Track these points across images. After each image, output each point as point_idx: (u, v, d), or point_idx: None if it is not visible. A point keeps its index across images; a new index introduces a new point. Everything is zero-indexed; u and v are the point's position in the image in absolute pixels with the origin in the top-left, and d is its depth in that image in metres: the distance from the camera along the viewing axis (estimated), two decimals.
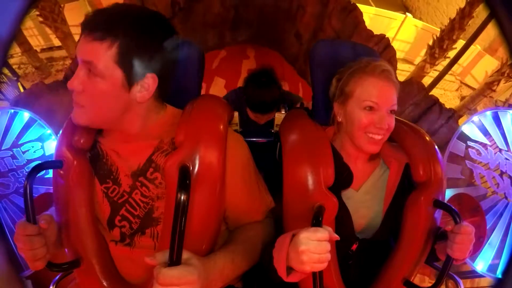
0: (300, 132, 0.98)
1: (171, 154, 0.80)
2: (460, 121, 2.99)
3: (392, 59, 3.35)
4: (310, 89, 1.14)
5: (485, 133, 2.14)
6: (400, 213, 0.96)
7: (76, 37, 3.99)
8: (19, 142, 1.94)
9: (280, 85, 1.95)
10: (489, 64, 5.54)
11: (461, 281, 1.07)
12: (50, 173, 0.93)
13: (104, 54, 0.72)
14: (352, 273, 0.98)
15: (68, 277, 1.03)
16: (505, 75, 4.17)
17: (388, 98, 0.92)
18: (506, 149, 2.08)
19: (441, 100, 3.15)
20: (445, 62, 4.52)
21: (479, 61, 5.83)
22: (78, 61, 0.76)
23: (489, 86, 4.36)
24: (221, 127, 0.83)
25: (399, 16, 6.07)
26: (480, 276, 2.08)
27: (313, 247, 0.68)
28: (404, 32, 6.02)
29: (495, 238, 2.03)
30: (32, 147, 1.96)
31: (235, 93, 2.13)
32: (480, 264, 2.04)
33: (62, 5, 3.93)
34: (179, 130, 0.81)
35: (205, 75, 1.08)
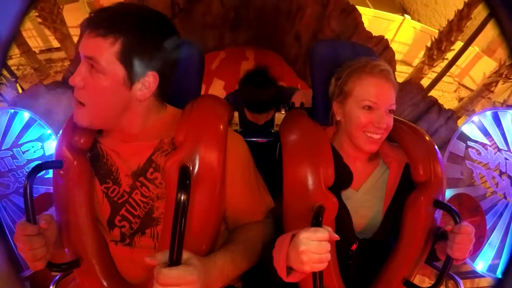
0: (300, 132, 0.98)
1: (171, 154, 0.80)
2: (459, 122, 2.99)
3: (391, 60, 3.36)
4: (309, 91, 1.14)
5: (485, 133, 2.14)
6: (400, 213, 0.96)
7: (75, 39, 4.00)
8: (19, 142, 1.94)
9: (277, 83, 1.94)
10: (487, 66, 5.55)
11: (461, 281, 1.07)
12: (50, 173, 0.93)
13: (106, 50, 0.73)
14: (352, 273, 0.98)
15: (68, 277, 1.03)
16: (503, 76, 4.19)
17: (386, 98, 0.92)
18: (506, 149, 2.08)
19: (439, 101, 3.16)
20: (443, 64, 4.54)
21: (477, 63, 5.84)
22: (78, 59, 0.76)
23: (487, 87, 4.38)
24: (221, 127, 0.83)
25: (397, 18, 6.08)
26: (480, 276, 2.08)
27: (313, 247, 0.68)
28: (402, 34, 6.04)
29: (495, 238, 2.03)
30: (32, 147, 1.96)
31: (232, 96, 2.13)
32: (480, 264, 2.04)
33: (61, 6, 3.94)
34: (179, 130, 0.81)
35: (204, 76, 1.08)
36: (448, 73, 4.72)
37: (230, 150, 0.84)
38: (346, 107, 0.97)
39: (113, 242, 0.87)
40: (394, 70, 3.35)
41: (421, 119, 3.06)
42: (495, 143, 2.11)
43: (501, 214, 2.05)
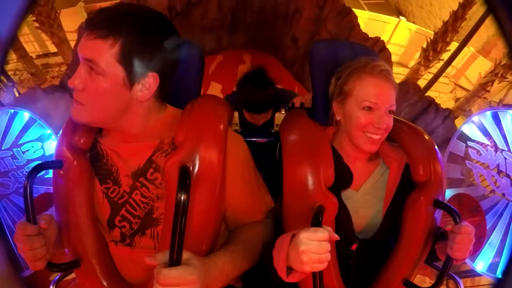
0: (300, 132, 0.98)
1: (171, 154, 0.80)
2: (456, 122, 3.00)
3: (387, 61, 3.36)
4: (306, 93, 1.14)
5: (485, 133, 2.14)
6: (400, 213, 0.96)
7: (72, 43, 3.99)
8: (19, 142, 1.94)
9: (274, 84, 1.95)
10: (482, 66, 5.55)
11: (461, 281, 1.07)
12: (50, 173, 0.93)
13: (106, 52, 0.72)
14: (352, 273, 0.98)
15: (68, 277, 1.03)
16: (499, 75, 4.19)
17: (387, 98, 0.92)
18: (506, 149, 2.08)
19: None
20: (439, 65, 4.55)
21: (472, 63, 5.85)
22: (76, 62, 0.76)
23: (483, 87, 4.38)
24: (221, 127, 0.83)
25: (393, 20, 6.08)
26: (480, 274, 2.08)
27: (313, 247, 0.68)
28: (398, 36, 6.04)
29: (495, 238, 2.03)
30: (32, 147, 1.96)
31: (230, 98, 2.13)
32: (480, 264, 2.04)
33: (58, 11, 3.93)
34: (179, 130, 0.81)
35: None
36: (444, 74, 4.73)
37: (230, 150, 0.84)
38: (346, 107, 0.97)
39: (113, 242, 0.87)
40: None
41: (418, 119, 3.07)
42: (495, 143, 2.11)
43: (501, 214, 2.05)
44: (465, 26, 4.31)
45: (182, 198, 0.63)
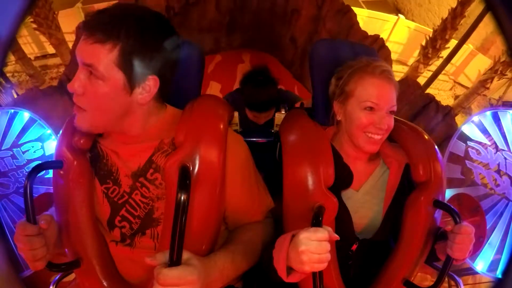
0: (300, 132, 0.98)
1: (171, 154, 0.80)
2: (455, 119, 2.99)
3: (387, 59, 3.37)
4: (305, 92, 1.14)
5: (485, 133, 2.14)
6: (400, 213, 0.96)
7: (70, 44, 3.99)
8: (19, 142, 1.94)
9: (277, 83, 1.95)
10: (481, 63, 5.54)
11: (461, 281, 1.07)
12: (50, 173, 0.92)
13: (105, 57, 0.72)
14: (352, 273, 0.98)
15: (68, 277, 1.03)
16: (498, 72, 4.19)
17: (388, 99, 0.92)
18: (506, 149, 2.07)
19: None
20: (438, 62, 4.54)
21: (471, 60, 5.84)
22: (74, 62, 0.76)
23: (482, 84, 4.38)
24: (221, 127, 0.83)
25: (391, 18, 6.06)
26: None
27: (313, 247, 0.68)
28: (397, 34, 6.03)
29: (495, 238, 2.03)
30: (32, 147, 1.96)
31: (232, 96, 2.13)
32: (480, 264, 2.04)
33: (56, 12, 3.92)
34: (179, 130, 0.81)
35: None
36: (443, 72, 4.72)
37: (230, 150, 0.83)
38: (347, 108, 0.97)
39: (113, 242, 0.87)
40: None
41: (419, 116, 3.06)
42: (495, 143, 2.11)
43: (501, 214, 2.04)
44: (464, 24, 4.31)
45: (182, 198, 0.63)
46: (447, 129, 2.90)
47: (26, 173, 0.89)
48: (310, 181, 0.89)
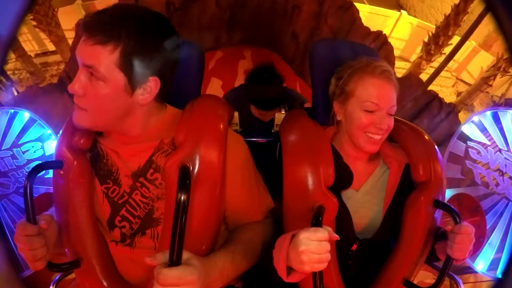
0: (300, 132, 0.98)
1: (171, 154, 0.80)
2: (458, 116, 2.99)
3: (389, 55, 3.35)
4: (307, 89, 1.14)
5: (485, 133, 2.14)
6: (400, 213, 0.96)
7: (70, 41, 3.98)
8: (19, 142, 1.94)
9: (283, 80, 1.93)
10: (484, 60, 5.52)
11: (461, 282, 1.07)
12: (50, 173, 0.92)
13: (106, 59, 0.71)
14: (352, 273, 0.98)
15: (68, 277, 1.03)
16: (501, 69, 4.17)
17: (388, 99, 0.92)
18: (506, 149, 2.08)
19: None
20: (441, 59, 4.52)
21: (474, 57, 5.83)
22: (74, 59, 0.75)
23: (485, 81, 4.37)
24: (221, 127, 0.83)
25: (394, 13, 6.04)
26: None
27: (313, 247, 0.68)
28: (399, 30, 6.00)
29: (495, 238, 2.03)
30: (32, 147, 1.96)
31: (235, 93, 2.12)
32: (480, 264, 2.04)
33: (56, 9, 3.92)
34: (179, 130, 0.81)
35: None
36: (445, 68, 4.70)
37: (230, 150, 0.83)
38: (347, 108, 0.97)
39: (113, 242, 0.87)
40: (393, 64, 3.34)
41: (422, 114, 3.05)
42: (495, 143, 2.11)
43: (501, 214, 2.05)
44: (467, 20, 4.28)
45: (182, 198, 0.63)
46: (450, 127, 2.90)
47: (26, 173, 0.88)
48: (310, 181, 0.89)
